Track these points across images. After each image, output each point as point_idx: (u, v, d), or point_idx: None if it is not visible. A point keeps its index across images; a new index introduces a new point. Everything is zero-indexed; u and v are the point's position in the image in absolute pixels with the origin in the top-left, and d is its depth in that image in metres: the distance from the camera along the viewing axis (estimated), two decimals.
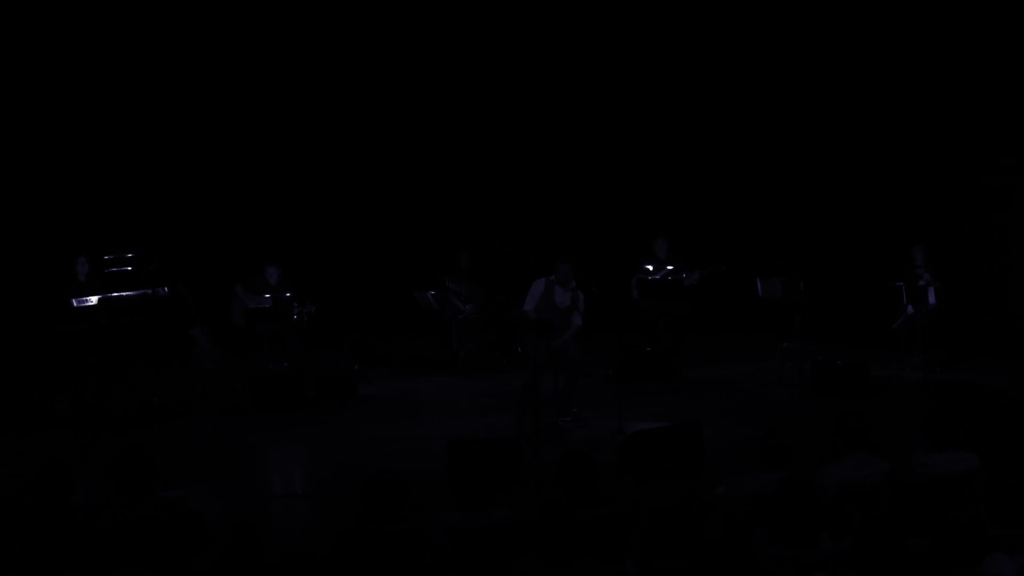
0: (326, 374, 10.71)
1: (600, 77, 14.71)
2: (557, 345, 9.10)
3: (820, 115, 14.46)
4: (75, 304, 9.91)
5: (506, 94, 14.54)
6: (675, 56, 14.60)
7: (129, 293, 10.11)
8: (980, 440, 6.22)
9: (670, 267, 11.67)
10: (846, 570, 4.32)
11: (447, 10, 14.15)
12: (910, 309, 11.21)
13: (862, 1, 13.85)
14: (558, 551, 5.02)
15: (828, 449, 5.78)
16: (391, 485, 4.90)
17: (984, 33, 13.18)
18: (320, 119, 14.27)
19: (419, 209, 14.63)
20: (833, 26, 14.04)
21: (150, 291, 10.18)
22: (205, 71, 13.67)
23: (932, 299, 11.10)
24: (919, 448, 7.02)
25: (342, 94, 14.26)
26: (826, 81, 14.33)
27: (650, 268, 11.73)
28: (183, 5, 13.41)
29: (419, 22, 14.17)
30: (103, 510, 5.19)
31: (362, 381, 11.04)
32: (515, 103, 14.58)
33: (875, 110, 14.22)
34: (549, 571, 4.98)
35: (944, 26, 13.38)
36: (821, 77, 14.34)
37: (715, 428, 8.82)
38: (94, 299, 9.97)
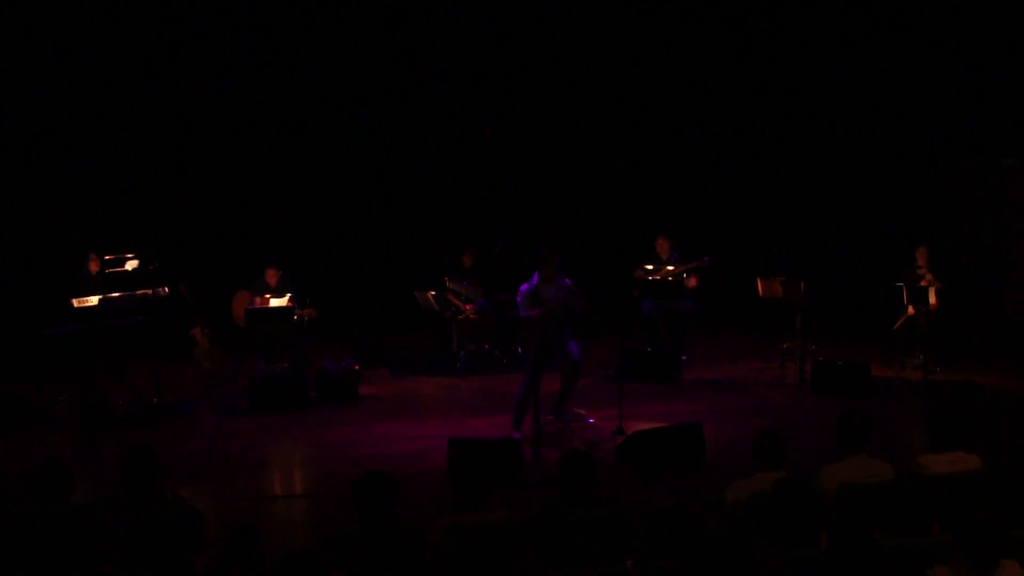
0: (326, 374, 10.70)
1: (603, 77, 14.70)
2: (557, 341, 9.03)
3: (821, 116, 14.45)
4: (75, 304, 9.89)
5: (508, 95, 14.53)
6: (678, 56, 14.60)
7: (129, 293, 10.09)
8: (980, 440, 6.22)
9: (670, 267, 11.68)
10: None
11: (449, 11, 14.15)
12: (911, 310, 11.21)
13: (866, 2, 13.86)
14: (558, 551, 5.02)
15: (828, 449, 5.78)
16: (381, 485, 4.89)
17: (984, 34, 13.18)
18: (321, 119, 14.26)
19: (420, 210, 14.62)
20: (836, 27, 14.05)
21: (150, 291, 10.16)
22: (208, 72, 13.67)
23: (932, 300, 11.10)
24: (920, 448, 7.03)
25: (344, 95, 14.25)
26: (828, 81, 14.33)
27: (650, 267, 11.74)
28: (187, 6, 13.41)
29: (421, 23, 14.17)
30: (105, 509, 5.19)
31: (362, 381, 11.03)
32: (517, 104, 14.57)
33: (876, 111, 14.22)
34: (549, 571, 4.98)
35: (945, 27, 13.39)
36: (822, 77, 14.33)
37: (715, 428, 8.82)
38: (94, 299, 9.95)
